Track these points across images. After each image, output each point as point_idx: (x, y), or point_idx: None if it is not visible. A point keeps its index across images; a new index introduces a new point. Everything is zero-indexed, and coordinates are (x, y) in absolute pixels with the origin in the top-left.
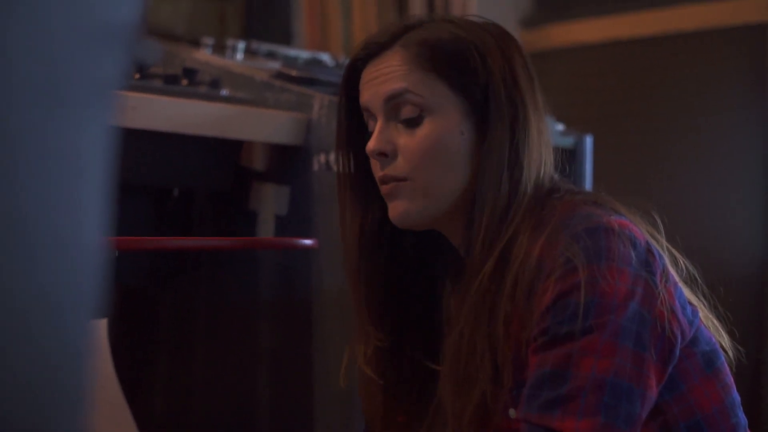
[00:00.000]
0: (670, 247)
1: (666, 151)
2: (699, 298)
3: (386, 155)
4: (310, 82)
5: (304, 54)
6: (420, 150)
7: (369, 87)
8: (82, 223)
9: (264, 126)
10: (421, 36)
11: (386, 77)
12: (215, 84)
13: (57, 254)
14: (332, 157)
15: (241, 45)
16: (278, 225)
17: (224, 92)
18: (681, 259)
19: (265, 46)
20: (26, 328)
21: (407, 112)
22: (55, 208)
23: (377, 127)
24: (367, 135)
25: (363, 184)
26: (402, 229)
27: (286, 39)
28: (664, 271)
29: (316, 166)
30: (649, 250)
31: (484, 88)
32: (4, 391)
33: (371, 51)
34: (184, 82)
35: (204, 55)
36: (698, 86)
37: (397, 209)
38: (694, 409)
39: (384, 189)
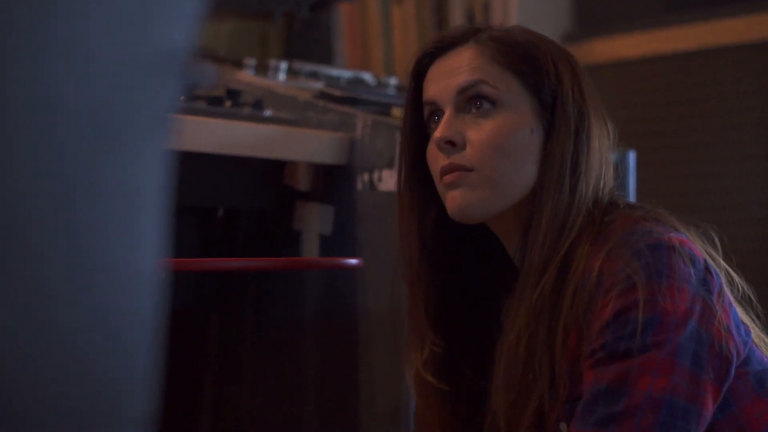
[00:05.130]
0: (726, 265)
1: (710, 167)
2: (751, 318)
3: (454, 144)
4: (353, 101)
5: (346, 73)
6: (490, 140)
7: (438, 80)
8: (140, 252)
9: (307, 146)
10: (496, 34)
11: (460, 70)
12: (258, 105)
13: (116, 283)
14: (376, 176)
15: (283, 65)
16: (322, 244)
17: (268, 113)
18: (737, 278)
19: (308, 66)
20: (86, 354)
21: (480, 103)
22: (114, 239)
23: (445, 117)
24: (427, 136)
25: (423, 186)
26: (459, 227)
27: (328, 59)
28: (721, 290)
29: (360, 186)
30: (707, 268)
31: (554, 92)
32: (65, 417)
33: (443, 45)
34: (228, 103)
35: (246, 76)
36: (742, 100)
37: (457, 199)
38: (745, 430)
39: (446, 178)
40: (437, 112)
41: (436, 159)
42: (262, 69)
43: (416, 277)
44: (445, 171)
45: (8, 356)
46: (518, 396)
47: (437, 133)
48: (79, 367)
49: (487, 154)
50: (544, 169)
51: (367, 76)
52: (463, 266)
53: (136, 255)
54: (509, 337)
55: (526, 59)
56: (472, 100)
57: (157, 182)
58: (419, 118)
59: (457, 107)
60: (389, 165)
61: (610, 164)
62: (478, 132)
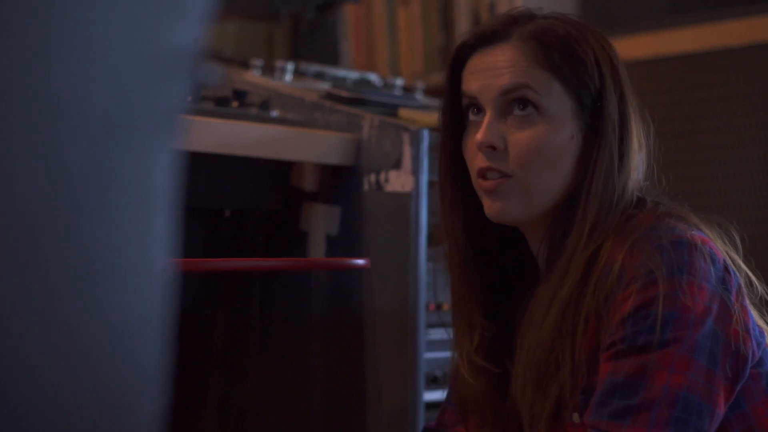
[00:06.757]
0: (746, 268)
1: (716, 168)
2: (766, 321)
3: (495, 149)
4: (359, 102)
5: (352, 74)
6: (532, 148)
7: (481, 77)
8: (147, 249)
9: (314, 147)
10: (540, 32)
11: (504, 70)
12: (265, 105)
13: (123, 282)
14: (383, 176)
15: (289, 66)
16: (329, 245)
17: (274, 113)
18: (756, 280)
19: (314, 67)
20: (93, 354)
21: (522, 107)
22: (122, 238)
23: (486, 119)
24: (464, 124)
25: (465, 177)
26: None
27: (333, 60)
28: (739, 290)
29: (366, 186)
30: (726, 268)
31: (597, 94)
32: (73, 417)
33: (485, 38)
34: (235, 104)
35: (253, 76)
36: (748, 102)
37: (495, 206)
38: (754, 429)
39: (485, 184)
40: (477, 105)
41: (475, 158)
42: (268, 70)
43: (463, 265)
44: (484, 172)
45: (14, 356)
46: (540, 386)
47: (479, 136)
48: (87, 367)
49: (527, 162)
50: (586, 174)
51: (374, 77)
52: (498, 256)
53: (144, 254)
54: (535, 328)
55: (569, 62)
56: (514, 102)
57: (166, 181)
58: (457, 106)
59: (499, 109)
60: (396, 166)
61: (644, 161)
62: (520, 138)
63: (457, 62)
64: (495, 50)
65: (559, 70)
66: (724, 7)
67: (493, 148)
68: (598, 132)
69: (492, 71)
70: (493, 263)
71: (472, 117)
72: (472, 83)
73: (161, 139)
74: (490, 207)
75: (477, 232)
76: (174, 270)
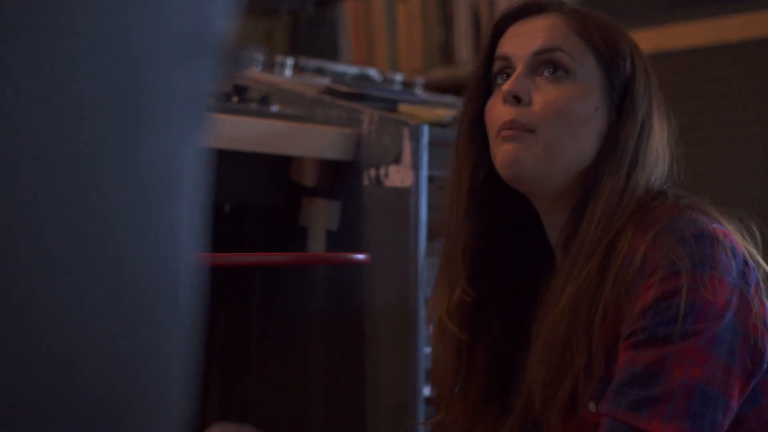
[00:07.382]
0: (764, 263)
1: (716, 164)
2: None
3: (520, 100)
4: (359, 97)
5: (352, 69)
6: (555, 104)
7: (516, 39)
8: (175, 242)
9: (314, 142)
10: (583, 10)
11: (540, 33)
12: (265, 100)
13: (150, 274)
14: (382, 171)
15: (289, 61)
16: (329, 240)
17: (274, 108)
18: None
19: (314, 62)
20: (118, 347)
21: (553, 70)
22: (147, 229)
23: (516, 73)
24: (488, 93)
25: (481, 140)
26: (504, 192)
27: (333, 55)
28: (758, 284)
29: (366, 181)
30: (745, 262)
31: (628, 79)
32: (101, 411)
33: (528, 8)
34: (235, 99)
35: (253, 71)
36: (747, 97)
37: (510, 154)
38: None
39: (504, 133)
40: (508, 69)
41: (498, 112)
42: (268, 65)
43: (459, 224)
44: (506, 126)
45: (38, 351)
46: (555, 374)
47: (506, 86)
48: (112, 362)
49: (549, 117)
50: (605, 153)
51: (373, 73)
52: (502, 229)
53: (172, 247)
54: (550, 314)
55: (606, 40)
56: (545, 64)
57: (192, 170)
58: (489, 74)
59: (530, 67)
60: (396, 161)
61: (666, 159)
62: (546, 95)
63: (496, 31)
64: (535, 18)
65: (595, 43)
66: (723, 2)
67: (517, 99)
68: (621, 115)
69: (529, 34)
70: (499, 235)
71: (500, 81)
72: (507, 45)
73: (187, 128)
74: (505, 156)
75: (483, 199)
76: (202, 264)
